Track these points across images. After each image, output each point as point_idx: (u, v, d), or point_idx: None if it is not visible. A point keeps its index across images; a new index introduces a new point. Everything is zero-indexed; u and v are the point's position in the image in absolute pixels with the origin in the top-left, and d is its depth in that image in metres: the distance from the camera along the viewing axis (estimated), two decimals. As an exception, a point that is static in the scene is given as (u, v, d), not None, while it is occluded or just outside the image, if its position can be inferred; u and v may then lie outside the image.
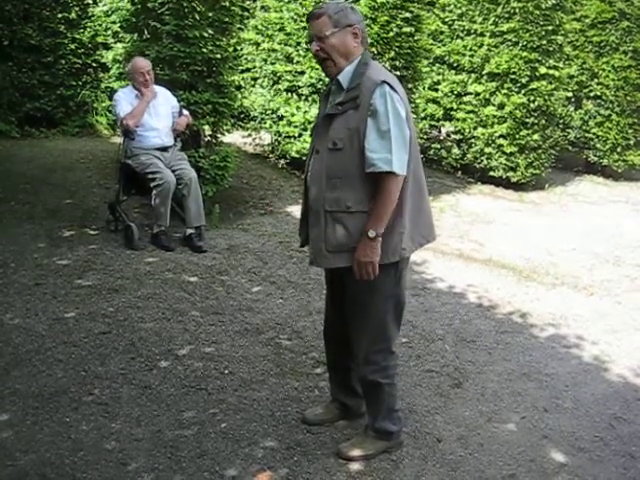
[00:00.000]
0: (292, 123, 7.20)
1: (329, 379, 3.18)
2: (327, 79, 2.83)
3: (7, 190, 5.92)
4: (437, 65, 9.10)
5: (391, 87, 2.50)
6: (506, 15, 8.37)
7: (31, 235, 5.11)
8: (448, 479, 2.80)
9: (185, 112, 5.44)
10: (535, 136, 8.50)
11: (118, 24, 6.37)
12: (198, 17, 5.52)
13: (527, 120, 8.42)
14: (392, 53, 6.67)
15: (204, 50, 5.59)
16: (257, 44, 8.05)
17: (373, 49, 6.54)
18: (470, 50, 8.76)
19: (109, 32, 8.40)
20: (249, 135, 8.19)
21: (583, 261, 6.03)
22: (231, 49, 6.22)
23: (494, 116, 8.49)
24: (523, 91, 8.35)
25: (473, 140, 8.78)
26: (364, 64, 2.58)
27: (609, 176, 10.50)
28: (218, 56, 5.75)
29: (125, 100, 5.13)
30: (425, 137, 9.11)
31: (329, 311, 3.01)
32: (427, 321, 4.38)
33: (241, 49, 8.26)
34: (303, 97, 7.25)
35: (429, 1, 8.57)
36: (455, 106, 8.93)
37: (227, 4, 5.81)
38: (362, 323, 2.73)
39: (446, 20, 9.03)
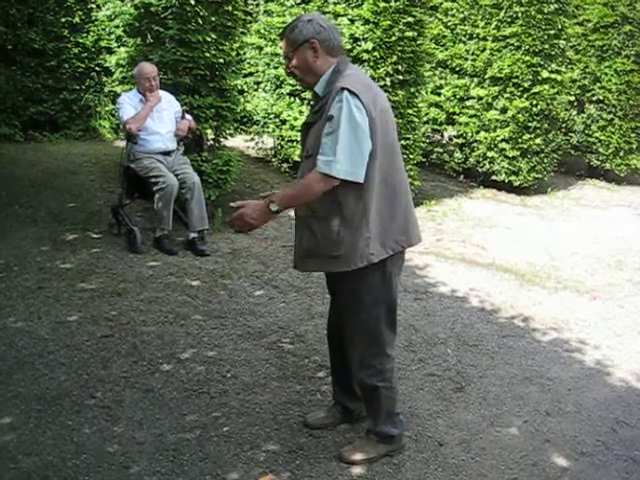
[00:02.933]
0: (295, 127, 7.20)
1: (332, 382, 3.18)
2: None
3: (10, 194, 5.94)
4: (440, 69, 9.09)
5: (351, 92, 2.45)
6: (508, 19, 8.37)
7: (34, 238, 5.12)
8: (450, 483, 2.80)
9: (188, 116, 5.45)
10: (537, 140, 8.50)
11: (121, 28, 6.39)
12: (201, 21, 5.54)
13: (529, 124, 8.42)
14: (395, 57, 6.67)
15: (207, 54, 5.61)
16: (260, 48, 8.07)
17: (375, 53, 6.55)
18: (472, 54, 8.76)
19: (112, 36, 8.42)
20: (252, 139, 8.20)
21: (585, 265, 6.03)
22: (234, 53, 6.23)
23: (496, 120, 8.49)
24: (525, 95, 8.35)
25: (475, 144, 8.78)
26: (336, 72, 2.57)
27: (612, 180, 10.49)
28: (221, 60, 5.76)
29: (129, 104, 5.15)
30: (428, 141, 9.11)
31: (331, 314, 3.02)
32: (429, 325, 4.38)
33: (244, 53, 8.27)
34: (306, 101, 7.26)
35: (432, 5, 8.57)
36: (457, 110, 8.93)
37: (230, 8, 5.82)
38: (355, 328, 2.75)
39: (448, 24, 9.04)
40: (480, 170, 8.89)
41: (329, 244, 2.58)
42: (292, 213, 2.81)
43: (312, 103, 2.74)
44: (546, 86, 8.34)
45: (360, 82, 2.56)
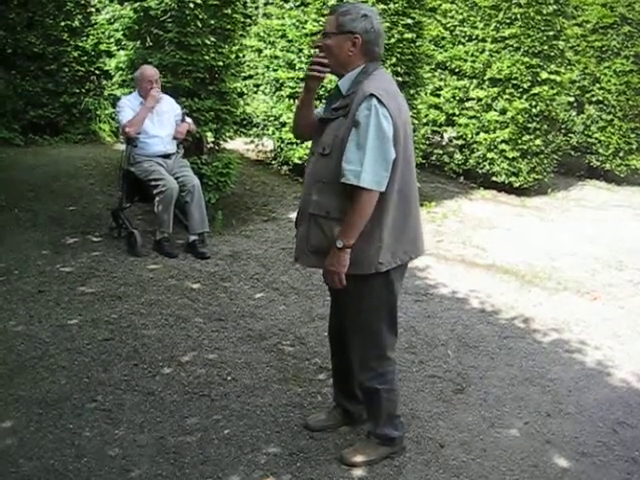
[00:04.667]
0: (294, 129, 7.20)
1: (333, 384, 3.18)
2: (330, 85, 2.87)
3: (10, 198, 5.94)
4: (439, 71, 9.11)
5: (379, 101, 2.45)
6: (507, 21, 8.39)
7: (34, 242, 5.12)
8: (451, 485, 2.80)
9: (188, 119, 5.46)
10: (537, 141, 8.51)
11: (121, 32, 6.39)
12: (200, 24, 5.55)
13: (529, 125, 8.43)
14: (394, 59, 6.68)
15: (206, 57, 5.62)
16: (259, 51, 8.08)
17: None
18: (472, 56, 8.77)
19: (112, 40, 8.42)
20: (252, 142, 8.21)
21: (586, 266, 6.03)
22: (233, 56, 6.24)
23: (496, 121, 8.50)
24: (525, 96, 8.36)
25: (475, 145, 8.79)
26: (365, 73, 2.56)
27: (611, 181, 10.50)
28: (220, 63, 5.78)
29: (129, 107, 5.15)
30: (427, 143, 9.12)
31: (332, 316, 3.02)
32: (430, 327, 4.38)
33: (243, 56, 8.28)
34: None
35: (431, 7, 8.59)
36: (457, 112, 8.94)
37: (229, 11, 5.84)
38: (356, 331, 2.76)
39: (448, 26, 9.05)
40: (480, 171, 8.90)
41: None
42: (293, 215, 2.81)
43: (330, 97, 2.71)
44: (545, 87, 8.35)
45: (386, 89, 2.55)
